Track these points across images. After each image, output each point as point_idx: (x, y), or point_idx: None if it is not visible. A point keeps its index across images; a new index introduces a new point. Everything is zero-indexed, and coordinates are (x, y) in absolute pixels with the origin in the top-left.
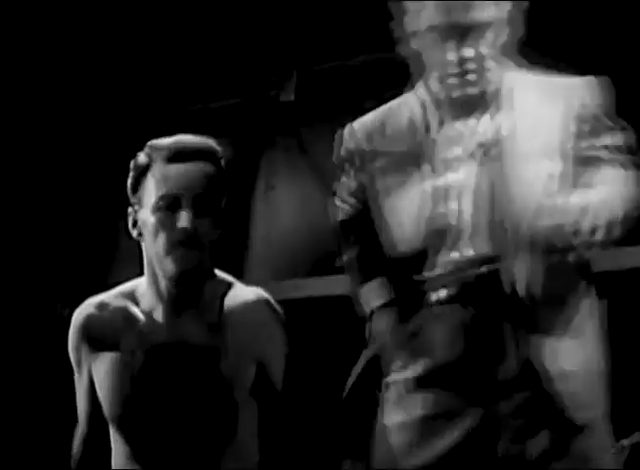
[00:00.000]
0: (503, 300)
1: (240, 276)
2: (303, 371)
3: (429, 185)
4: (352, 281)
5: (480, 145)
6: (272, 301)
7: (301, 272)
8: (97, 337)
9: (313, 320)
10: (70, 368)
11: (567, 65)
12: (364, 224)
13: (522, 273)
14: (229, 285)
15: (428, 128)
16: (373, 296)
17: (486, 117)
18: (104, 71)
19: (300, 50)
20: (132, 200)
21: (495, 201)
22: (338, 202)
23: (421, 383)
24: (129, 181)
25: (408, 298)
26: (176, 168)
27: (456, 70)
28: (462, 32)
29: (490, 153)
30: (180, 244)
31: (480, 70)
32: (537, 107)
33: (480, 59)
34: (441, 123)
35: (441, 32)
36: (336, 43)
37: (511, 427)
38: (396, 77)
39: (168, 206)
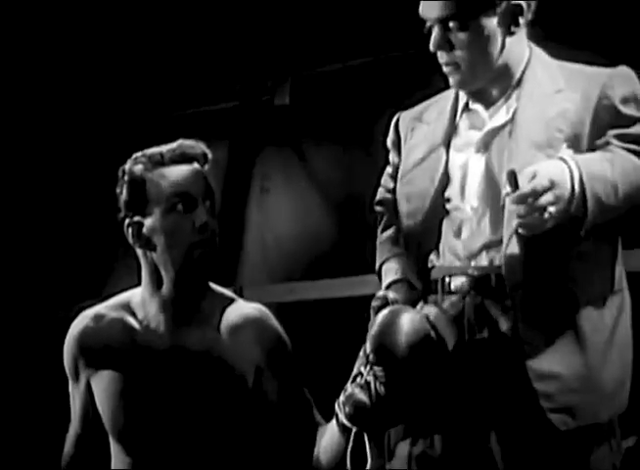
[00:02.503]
0: (499, 293)
1: (234, 279)
2: (299, 374)
3: (441, 166)
4: (378, 259)
5: (493, 130)
6: (273, 316)
7: (296, 275)
8: (94, 350)
9: (308, 324)
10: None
11: (595, 54)
12: (393, 206)
13: (512, 258)
14: (231, 300)
15: (455, 113)
16: (387, 273)
17: (506, 102)
18: (98, 77)
19: (295, 54)
20: (129, 211)
21: (494, 187)
22: (381, 187)
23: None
24: (124, 193)
25: (420, 279)
26: (178, 171)
27: (446, 69)
28: (444, 29)
29: (500, 138)
30: (201, 242)
31: (468, 67)
32: (554, 94)
33: (463, 55)
34: (466, 108)
35: (432, 28)
36: (330, 47)
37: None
38: (391, 80)
39: (183, 205)
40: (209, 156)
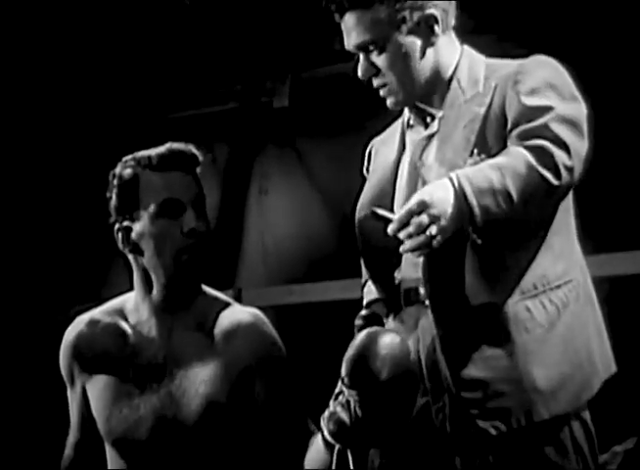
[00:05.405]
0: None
1: (233, 281)
2: (298, 377)
3: (389, 186)
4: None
5: (420, 140)
6: (268, 321)
7: (295, 278)
8: (88, 355)
9: (307, 326)
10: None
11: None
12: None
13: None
14: (226, 304)
15: (404, 131)
16: (367, 294)
17: (439, 111)
18: (96, 80)
19: (294, 55)
20: (118, 215)
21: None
22: None
23: None
24: (114, 197)
25: (391, 296)
26: (167, 175)
27: (381, 93)
28: (366, 55)
29: (429, 149)
30: (189, 247)
31: (397, 87)
32: (472, 100)
33: (390, 77)
34: (409, 124)
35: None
36: (330, 48)
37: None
38: None
39: (171, 210)
40: (200, 158)
